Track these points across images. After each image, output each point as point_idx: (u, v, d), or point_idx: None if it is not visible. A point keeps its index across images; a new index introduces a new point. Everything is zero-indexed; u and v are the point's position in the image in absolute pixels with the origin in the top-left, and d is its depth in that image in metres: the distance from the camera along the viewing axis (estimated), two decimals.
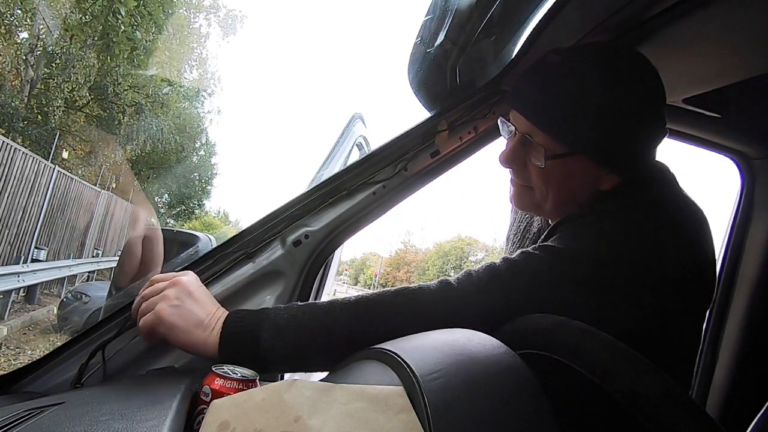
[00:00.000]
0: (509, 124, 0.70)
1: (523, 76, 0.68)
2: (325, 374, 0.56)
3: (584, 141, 0.63)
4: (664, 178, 0.68)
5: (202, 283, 0.75)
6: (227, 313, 0.64)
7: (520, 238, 0.85)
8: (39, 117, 8.92)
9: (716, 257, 0.65)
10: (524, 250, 0.63)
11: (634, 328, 0.56)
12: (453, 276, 0.64)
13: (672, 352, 0.61)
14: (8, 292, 5.36)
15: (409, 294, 0.62)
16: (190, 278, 0.66)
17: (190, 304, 0.63)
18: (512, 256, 0.63)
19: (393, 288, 0.64)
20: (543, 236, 0.70)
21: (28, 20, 8.11)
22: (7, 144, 5.77)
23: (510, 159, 0.70)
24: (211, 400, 0.49)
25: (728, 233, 1.11)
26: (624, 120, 0.62)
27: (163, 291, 0.63)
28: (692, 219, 0.63)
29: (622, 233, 0.59)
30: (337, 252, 1.08)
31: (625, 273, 0.57)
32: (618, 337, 0.45)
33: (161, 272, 0.85)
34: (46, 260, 6.78)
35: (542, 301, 0.58)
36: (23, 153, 6.13)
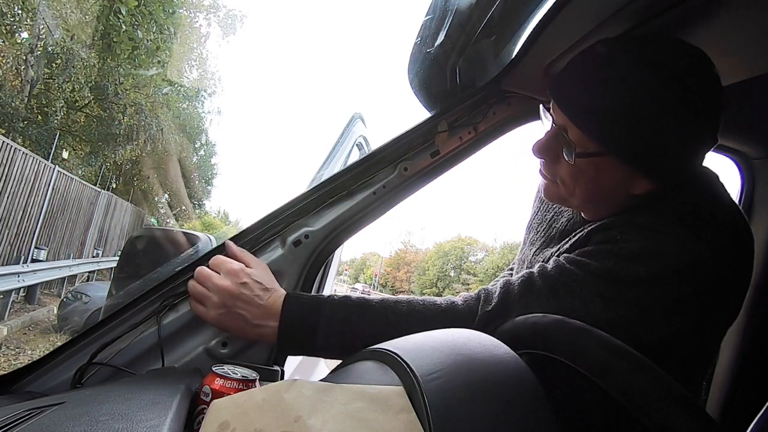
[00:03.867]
0: (549, 114, 0.66)
1: (568, 66, 0.64)
2: (325, 374, 0.56)
3: (617, 142, 0.60)
4: (708, 187, 0.65)
5: None
6: (282, 299, 0.68)
7: (546, 227, 0.81)
8: (39, 117, 8.92)
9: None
10: (560, 263, 0.63)
11: (662, 345, 0.56)
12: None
13: (693, 366, 0.62)
14: (8, 292, 5.36)
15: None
16: (235, 280, 0.68)
17: (237, 308, 0.68)
18: (549, 270, 0.63)
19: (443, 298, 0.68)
20: (576, 239, 0.67)
21: (28, 20, 8.10)
22: (7, 144, 5.77)
23: (543, 150, 0.67)
24: (211, 400, 0.49)
25: None
26: (665, 125, 0.58)
27: (215, 296, 0.68)
28: (732, 236, 0.60)
29: (661, 254, 0.57)
30: (337, 252, 1.08)
31: (662, 294, 0.57)
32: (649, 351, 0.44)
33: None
34: (46, 260, 6.78)
35: (572, 315, 0.57)
36: (23, 153, 6.13)
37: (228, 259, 0.72)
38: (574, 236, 0.69)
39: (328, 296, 0.69)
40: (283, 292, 0.70)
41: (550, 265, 0.64)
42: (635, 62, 0.58)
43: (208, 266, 0.71)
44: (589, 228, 0.66)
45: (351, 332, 0.65)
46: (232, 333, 0.71)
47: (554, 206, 0.82)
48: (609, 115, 0.59)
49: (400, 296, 0.72)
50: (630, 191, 0.63)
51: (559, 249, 0.71)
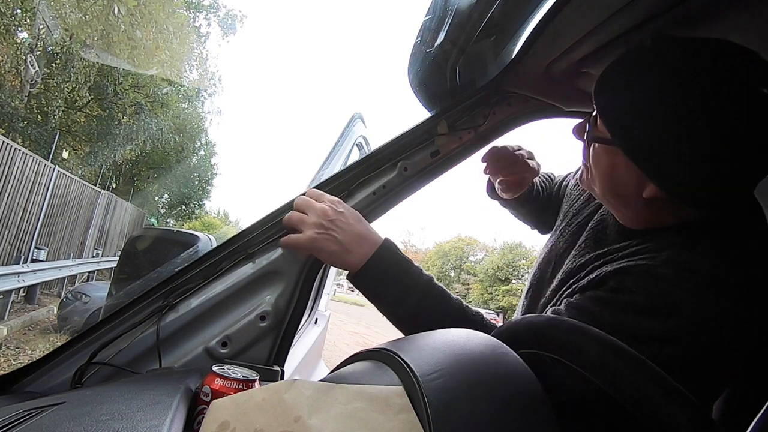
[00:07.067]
0: None
1: (617, 57, 0.63)
2: (325, 374, 0.56)
3: (623, 133, 0.59)
4: (745, 231, 0.60)
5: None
6: (373, 249, 0.71)
7: (579, 224, 0.79)
8: (39, 117, 8.92)
9: None
10: (572, 314, 0.60)
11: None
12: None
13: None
14: (8, 292, 5.36)
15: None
16: (334, 207, 0.72)
17: (332, 231, 0.71)
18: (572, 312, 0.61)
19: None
20: (593, 276, 0.64)
21: (27, 20, 8.10)
22: (7, 144, 5.77)
23: (577, 131, 0.69)
24: (211, 400, 0.49)
25: None
26: (676, 127, 0.55)
27: (313, 216, 0.71)
28: (758, 294, 0.55)
29: (676, 311, 0.54)
30: None
31: (676, 353, 0.54)
32: None
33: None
34: (46, 260, 6.78)
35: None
36: (23, 153, 6.12)
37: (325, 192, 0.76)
38: (594, 264, 0.66)
39: (417, 269, 0.73)
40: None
41: (562, 311, 0.63)
42: (667, 60, 0.56)
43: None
44: (606, 269, 0.63)
45: (418, 314, 0.69)
46: (322, 255, 0.72)
47: (585, 205, 0.81)
48: (624, 106, 0.59)
49: (473, 307, 0.74)
50: (641, 192, 0.61)
51: (591, 257, 0.68)
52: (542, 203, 1.00)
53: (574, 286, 0.67)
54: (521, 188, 0.95)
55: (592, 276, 0.64)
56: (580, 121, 0.69)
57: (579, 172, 0.72)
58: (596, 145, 0.64)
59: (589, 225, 0.75)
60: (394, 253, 0.73)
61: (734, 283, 0.55)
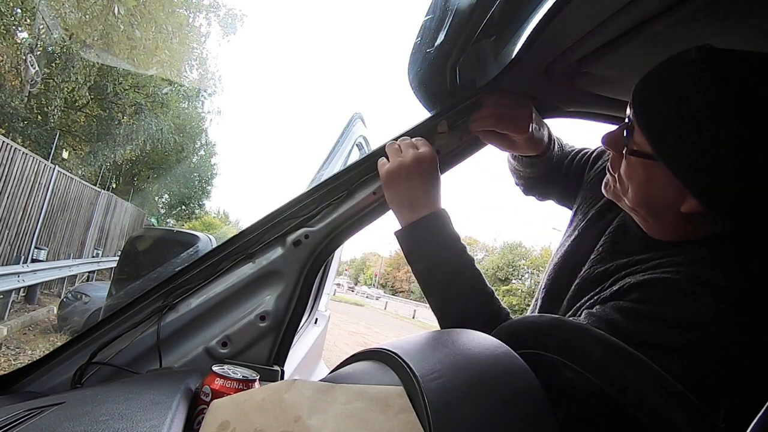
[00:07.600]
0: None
1: (657, 65, 0.61)
2: (325, 374, 0.56)
3: (667, 149, 0.57)
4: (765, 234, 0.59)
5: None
6: (428, 212, 0.74)
7: (594, 221, 0.78)
8: (39, 117, 8.93)
9: None
10: (591, 322, 0.59)
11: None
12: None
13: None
14: (8, 292, 5.36)
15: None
16: (424, 162, 0.75)
17: (403, 183, 0.75)
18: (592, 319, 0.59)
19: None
20: (617, 287, 0.63)
21: (27, 20, 8.10)
22: (7, 144, 5.77)
23: (609, 141, 0.66)
24: (211, 400, 0.49)
25: None
26: (724, 143, 0.54)
27: (405, 156, 0.75)
28: None
29: (696, 325, 0.54)
30: (337, 252, 1.08)
31: (691, 366, 0.53)
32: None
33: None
34: (46, 260, 6.78)
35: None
36: (23, 153, 6.13)
37: None
38: (617, 276, 0.65)
39: (461, 246, 0.74)
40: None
41: (582, 320, 0.62)
42: (713, 73, 0.55)
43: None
44: (629, 281, 0.62)
45: (450, 285, 0.71)
46: (389, 190, 0.76)
47: (608, 209, 0.78)
48: (669, 120, 0.56)
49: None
50: (678, 207, 0.60)
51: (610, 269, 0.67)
52: (549, 168, 0.94)
53: (595, 297, 0.65)
54: (510, 147, 0.88)
55: (614, 288, 0.63)
56: (613, 129, 0.66)
57: (604, 183, 0.70)
58: (629, 156, 0.61)
59: (608, 230, 0.74)
60: (443, 224, 0.74)
61: (756, 302, 0.55)
